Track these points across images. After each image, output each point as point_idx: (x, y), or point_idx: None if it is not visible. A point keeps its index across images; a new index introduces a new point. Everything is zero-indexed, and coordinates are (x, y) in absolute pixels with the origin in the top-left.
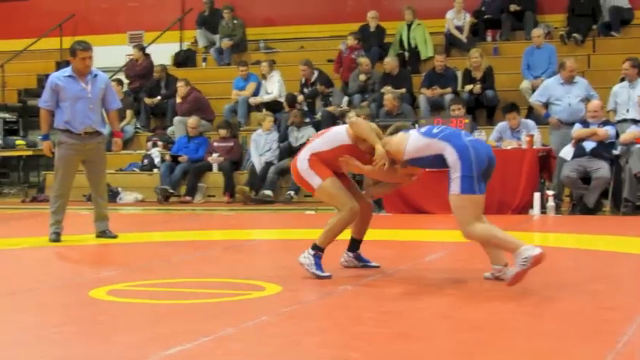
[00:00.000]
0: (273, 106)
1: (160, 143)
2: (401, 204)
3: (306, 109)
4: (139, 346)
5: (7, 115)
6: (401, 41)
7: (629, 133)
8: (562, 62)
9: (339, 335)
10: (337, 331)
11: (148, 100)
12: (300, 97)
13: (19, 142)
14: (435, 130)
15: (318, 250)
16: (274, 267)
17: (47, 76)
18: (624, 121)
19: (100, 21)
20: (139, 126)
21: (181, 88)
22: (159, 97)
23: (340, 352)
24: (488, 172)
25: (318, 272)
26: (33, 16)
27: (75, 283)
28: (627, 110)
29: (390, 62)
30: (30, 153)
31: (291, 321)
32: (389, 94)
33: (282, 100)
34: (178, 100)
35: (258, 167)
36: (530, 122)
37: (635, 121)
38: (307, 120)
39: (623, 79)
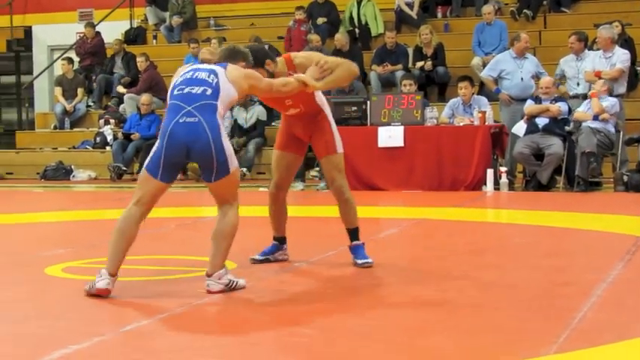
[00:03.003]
0: None
1: (112, 121)
2: (353, 180)
3: None
4: (96, 322)
5: None
6: (351, 18)
7: (581, 112)
8: (516, 35)
9: (293, 311)
10: (293, 307)
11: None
12: None
13: None
14: (176, 92)
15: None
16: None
17: None
18: (575, 97)
19: None
20: (90, 104)
21: (141, 63)
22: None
23: (295, 329)
24: (182, 155)
25: None
26: None
27: (30, 260)
28: (577, 84)
29: (341, 39)
30: None
31: (244, 298)
32: None
33: None
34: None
35: None
36: (483, 98)
37: (585, 97)
38: (255, 99)
39: None
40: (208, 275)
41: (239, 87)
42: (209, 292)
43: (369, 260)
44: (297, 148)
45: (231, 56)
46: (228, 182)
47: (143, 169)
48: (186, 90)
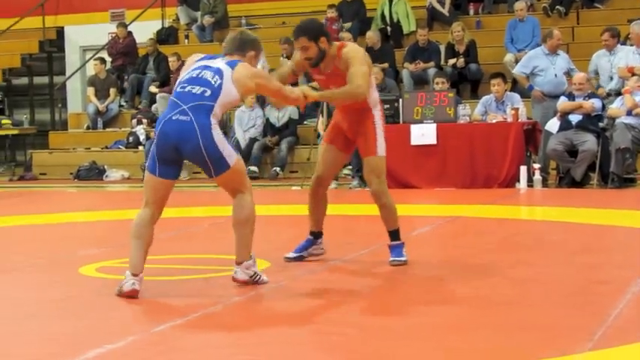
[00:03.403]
0: None
1: (144, 121)
2: (387, 178)
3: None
4: (129, 322)
5: None
6: (383, 16)
7: (615, 109)
8: (549, 31)
9: (325, 310)
10: (324, 306)
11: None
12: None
13: (5, 121)
14: (178, 89)
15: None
16: (261, 243)
17: (31, 55)
18: (608, 95)
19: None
20: (122, 104)
21: (173, 63)
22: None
23: (333, 327)
24: (176, 151)
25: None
26: None
27: (65, 260)
28: (611, 78)
29: (372, 37)
30: (16, 132)
31: (280, 296)
32: (373, 68)
33: None
34: None
35: (242, 143)
36: (515, 95)
37: (618, 93)
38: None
39: None
40: (238, 263)
41: (243, 86)
42: (234, 279)
43: (402, 259)
44: (343, 145)
45: (240, 47)
46: (233, 174)
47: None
48: (187, 88)
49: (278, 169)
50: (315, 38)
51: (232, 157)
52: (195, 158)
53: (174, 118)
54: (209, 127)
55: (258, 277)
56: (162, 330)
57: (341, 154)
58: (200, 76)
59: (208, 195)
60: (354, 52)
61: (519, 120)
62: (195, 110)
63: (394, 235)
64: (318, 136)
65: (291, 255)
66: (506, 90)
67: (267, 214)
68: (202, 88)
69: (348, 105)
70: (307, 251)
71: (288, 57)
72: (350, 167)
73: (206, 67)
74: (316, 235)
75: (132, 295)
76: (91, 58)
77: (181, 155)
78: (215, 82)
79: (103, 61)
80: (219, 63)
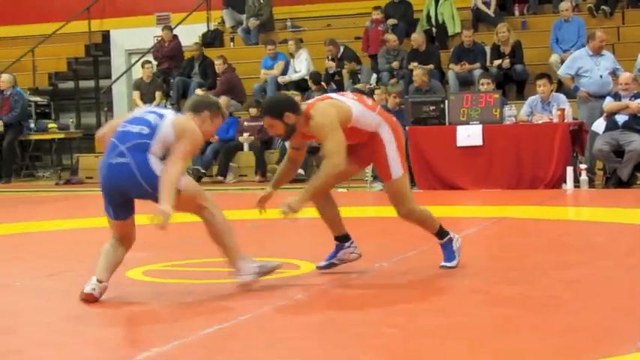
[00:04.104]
0: (302, 85)
1: None
2: (433, 180)
3: (334, 87)
4: (178, 325)
5: (38, 99)
6: (428, 17)
7: None
8: (592, 32)
9: (375, 311)
10: (374, 308)
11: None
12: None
13: (51, 125)
14: (119, 128)
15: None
16: (308, 245)
17: (77, 59)
18: None
19: (127, 3)
20: (168, 107)
21: (219, 66)
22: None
23: (377, 329)
24: (121, 194)
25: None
26: None
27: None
28: None
29: (417, 38)
30: (62, 136)
31: (327, 298)
32: (418, 70)
33: (309, 78)
34: None
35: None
36: (561, 96)
37: None
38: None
39: None
40: (233, 269)
41: (178, 132)
42: (241, 284)
43: (450, 264)
44: (349, 165)
45: (195, 108)
46: (184, 198)
47: None
48: (127, 128)
49: None
50: (279, 116)
51: (180, 184)
52: (140, 195)
53: (113, 162)
54: (147, 161)
55: (264, 268)
56: (209, 332)
57: (345, 172)
58: (141, 116)
59: (253, 198)
60: (320, 123)
61: (565, 121)
62: (133, 150)
63: (440, 235)
64: None
65: (323, 263)
66: (552, 91)
67: (315, 216)
68: (140, 126)
69: (353, 143)
70: (337, 258)
71: (333, 59)
72: None
73: (152, 111)
74: (341, 238)
75: (87, 299)
76: (136, 62)
77: (129, 196)
78: (154, 121)
79: (148, 64)
80: (166, 111)
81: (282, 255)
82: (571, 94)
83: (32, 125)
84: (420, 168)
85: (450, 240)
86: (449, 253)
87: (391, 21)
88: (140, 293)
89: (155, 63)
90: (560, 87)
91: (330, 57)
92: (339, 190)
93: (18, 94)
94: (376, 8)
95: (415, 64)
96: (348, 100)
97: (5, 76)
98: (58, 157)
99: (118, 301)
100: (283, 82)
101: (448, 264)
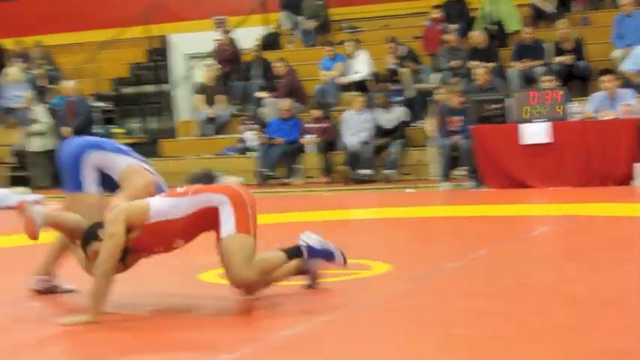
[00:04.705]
0: (363, 86)
1: (253, 126)
2: (502, 178)
3: (399, 87)
4: (256, 328)
5: (102, 105)
6: (487, 15)
7: None
8: None
9: (450, 312)
10: (448, 308)
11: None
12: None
13: (118, 130)
14: None
15: None
16: (379, 246)
17: (138, 64)
18: None
19: (185, 7)
20: (230, 110)
21: (279, 68)
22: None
23: (454, 329)
24: None
25: None
26: (123, 4)
27: (184, 267)
28: None
29: (477, 36)
30: (129, 141)
31: (402, 299)
32: (480, 68)
33: (370, 79)
34: None
35: (352, 147)
36: (628, 91)
37: None
38: (397, 99)
39: None
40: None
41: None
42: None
43: (337, 260)
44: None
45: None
46: None
47: None
48: None
49: (390, 171)
50: None
51: None
52: None
53: None
54: None
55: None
56: (289, 335)
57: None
58: None
59: (322, 199)
60: None
61: (632, 116)
62: None
63: (294, 254)
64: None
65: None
66: (617, 86)
67: (383, 216)
68: None
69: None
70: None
71: (395, 56)
72: (466, 168)
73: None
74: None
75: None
76: (196, 66)
77: None
78: None
79: (209, 67)
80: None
81: (353, 256)
82: (638, 89)
83: (99, 131)
84: (488, 167)
85: (308, 247)
86: (320, 254)
87: (453, 26)
88: (215, 296)
89: (216, 66)
90: (627, 82)
91: (392, 54)
92: (408, 190)
93: (81, 100)
94: (436, 7)
95: (476, 62)
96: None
97: (69, 83)
98: None
99: (193, 304)
100: (343, 83)
101: (335, 261)
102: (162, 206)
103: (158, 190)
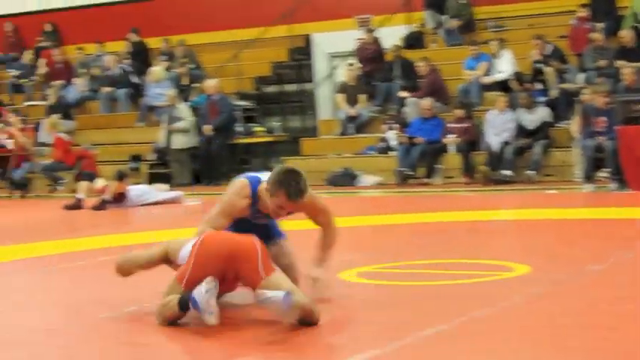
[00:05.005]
0: (506, 85)
1: (395, 126)
2: None
3: (542, 87)
4: (396, 327)
5: (244, 103)
6: (635, 14)
7: None
8: None
9: (595, 315)
10: (593, 311)
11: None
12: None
13: (258, 128)
14: None
15: None
16: (520, 247)
17: (281, 63)
18: None
19: (329, 6)
20: (373, 109)
21: (422, 67)
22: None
23: (598, 332)
24: None
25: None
26: (266, 3)
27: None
28: None
29: (626, 35)
30: (271, 139)
31: (544, 301)
32: (628, 68)
33: (513, 78)
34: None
35: (495, 147)
36: None
37: None
38: (540, 99)
39: None
40: None
41: None
42: None
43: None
44: None
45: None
46: None
47: None
48: None
49: (532, 172)
50: None
51: None
52: None
53: None
54: None
55: None
56: (429, 334)
57: None
58: None
59: (464, 199)
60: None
61: None
62: None
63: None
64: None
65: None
66: None
67: (525, 218)
68: None
69: None
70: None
71: (540, 55)
72: (609, 170)
73: None
74: None
75: None
76: (339, 65)
77: None
78: None
79: (352, 66)
80: None
81: (493, 257)
82: None
83: (241, 129)
84: (633, 169)
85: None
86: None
87: (600, 25)
88: (356, 295)
89: (359, 65)
90: None
91: (538, 51)
92: (549, 191)
93: (223, 98)
94: (583, 6)
95: (623, 62)
96: None
97: (211, 81)
98: (264, 160)
99: (335, 302)
100: (487, 83)
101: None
102: None
103: None
